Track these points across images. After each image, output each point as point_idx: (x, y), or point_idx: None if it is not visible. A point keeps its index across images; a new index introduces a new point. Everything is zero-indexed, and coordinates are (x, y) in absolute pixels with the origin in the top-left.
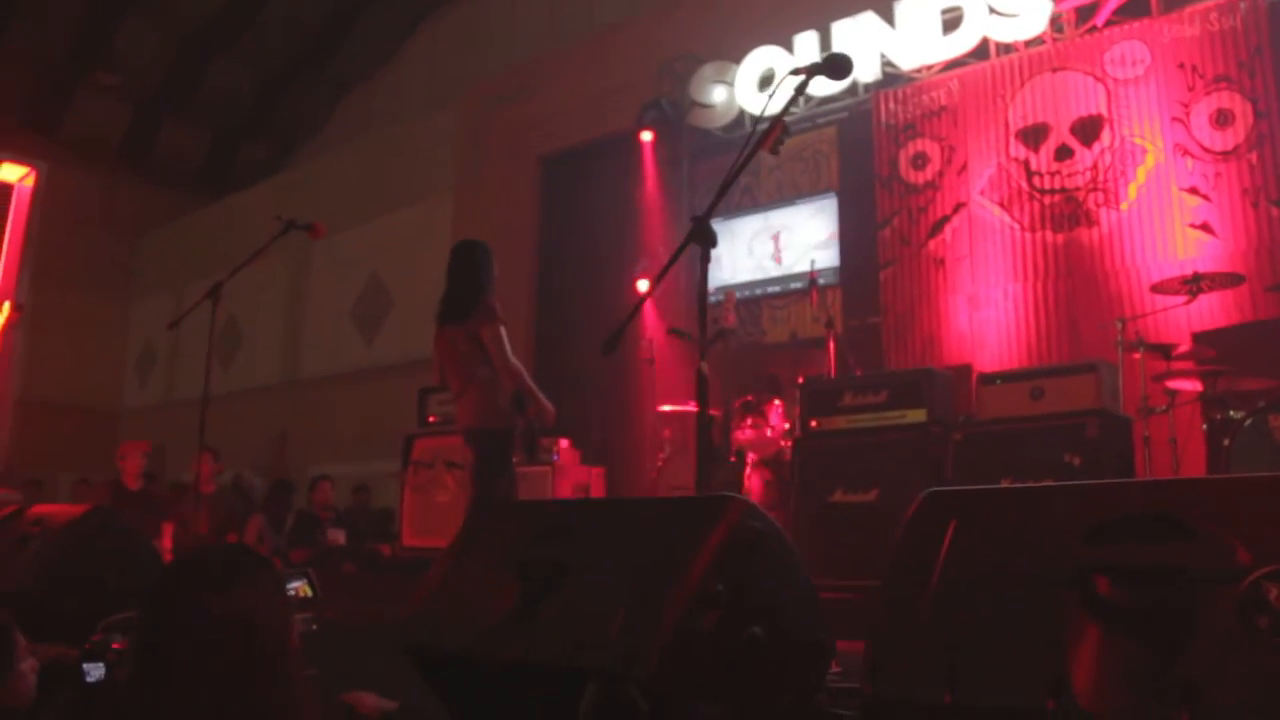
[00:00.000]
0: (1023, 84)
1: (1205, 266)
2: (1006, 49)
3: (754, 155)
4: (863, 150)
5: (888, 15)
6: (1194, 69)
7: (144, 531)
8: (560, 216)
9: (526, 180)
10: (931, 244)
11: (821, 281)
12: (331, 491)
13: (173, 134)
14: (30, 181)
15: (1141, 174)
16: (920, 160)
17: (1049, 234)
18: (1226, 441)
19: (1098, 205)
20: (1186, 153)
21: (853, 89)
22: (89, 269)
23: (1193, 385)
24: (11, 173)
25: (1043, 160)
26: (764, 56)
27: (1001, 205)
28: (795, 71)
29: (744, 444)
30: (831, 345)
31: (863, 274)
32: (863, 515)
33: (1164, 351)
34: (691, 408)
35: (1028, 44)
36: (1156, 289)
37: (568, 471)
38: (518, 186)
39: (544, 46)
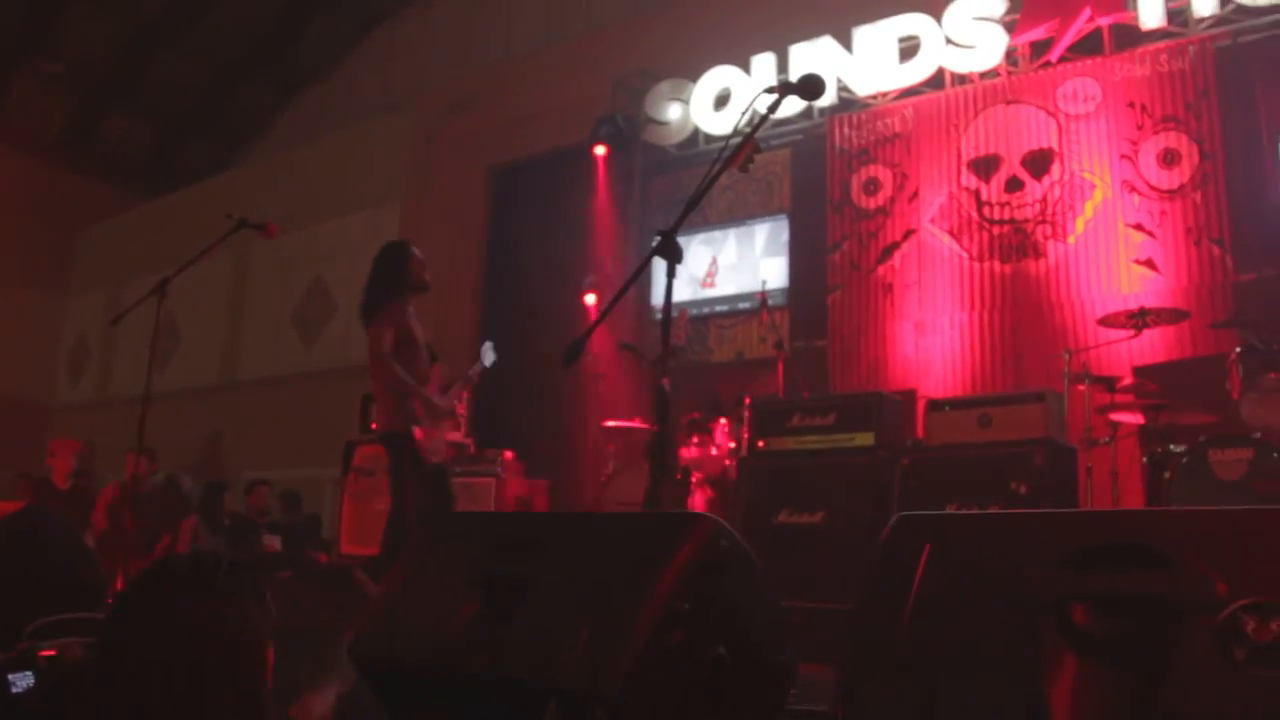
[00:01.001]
0: (976, 114)
1: (1149, 302)
2: (961, 79)
3: (724, 171)
4: (815, 173)
5: (845, 41)
6: (1143, 108)
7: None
8: (509, 227)
9: (476, 190)
10: (880, 269)
11: (770, 303)
12: (268, 497)
13: (116, 126)
14: None
15: (1089, 208)
16: (872, 186)
17: (997, 264)
18: (1167, 474)
19: (1045, 237)
20: (1134, 189)
21: (808, 112)
22: (24, 260)
23: (1135, 418)
24: None
25: (993, 191)
26: (721, 76)
27: (951, 234)
28: (769, 90)
29: (689, 462)
30: (780, 366)
31: (811, 296)
32: (809, 536)
33: (1108, 384)
34: (637, 424)
35: (983, 75)
36: (1103, 322)
37: (511, 484)
38: (467, 195)
39: (499, 56)
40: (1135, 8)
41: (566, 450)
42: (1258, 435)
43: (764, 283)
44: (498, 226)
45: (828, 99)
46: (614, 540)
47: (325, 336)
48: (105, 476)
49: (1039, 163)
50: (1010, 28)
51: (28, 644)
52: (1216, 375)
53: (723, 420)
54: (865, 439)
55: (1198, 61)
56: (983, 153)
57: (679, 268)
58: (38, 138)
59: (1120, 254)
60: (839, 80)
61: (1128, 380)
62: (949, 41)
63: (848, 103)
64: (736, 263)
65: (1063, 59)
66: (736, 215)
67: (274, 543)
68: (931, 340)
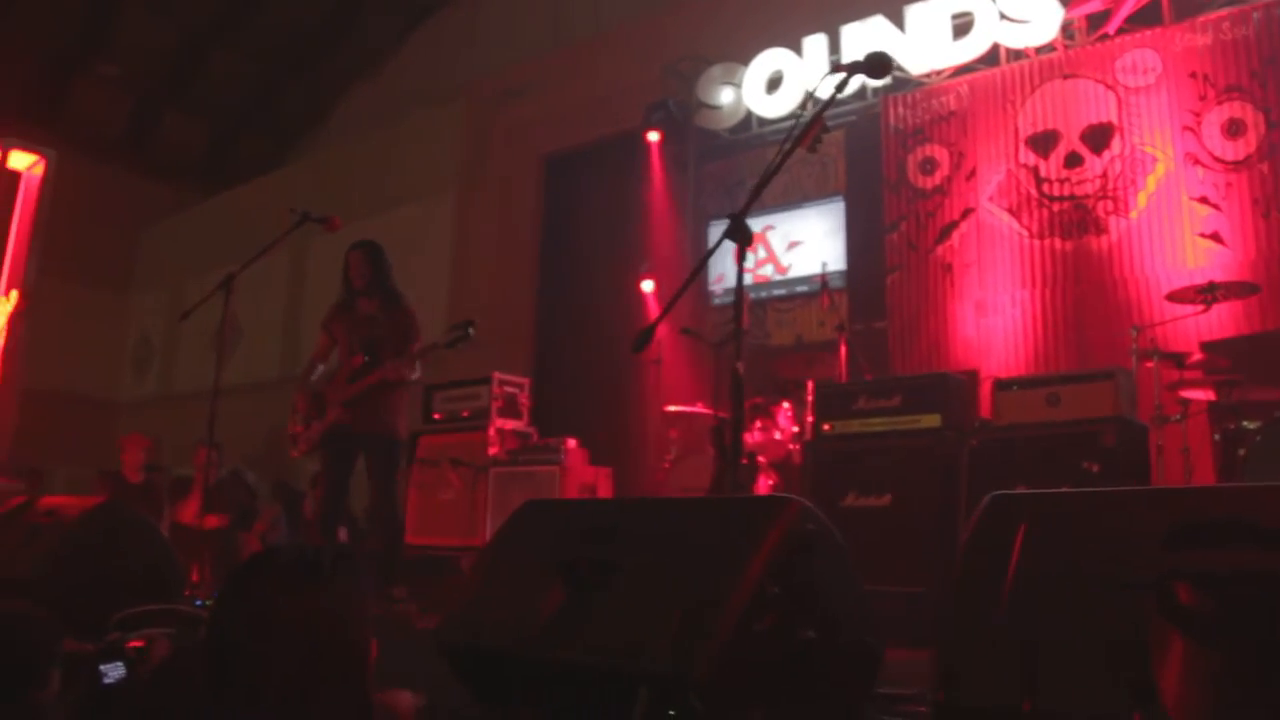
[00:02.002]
0: (1033, 90)
1: (1216, 276)
2: (1017, 55)
3: (792, 152)
4: (871, 154)
5: (898, 19)
6: (1205, 78)
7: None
8: (563, 215)
9: (530, 179)
10: (939, 249)
11: (830, 286)
12: None
13: (174, 126)
14: (39, 170)
15: (1151, 182)
16: (929, 165)
17: (1058, 241)
18: (1241, 451)
19: (1107, 213)
20: (1197, 162)
21: (861, 93)
22: (89, 260)
23: (1205, 394)
24: (20, 160)
25: (1052, 167)
26: (772, 58)
27: (1010, 211)
28: (836, 69)
29: (753, 446)
30: (843, 349)
31: (869, 278)
32: (876, 520)
33: (1177, 360)
34: (699, 409)
35: (1038, 50)
36: (1172, 297)
37: (575, 472)
38: (521, 185)
39: (549, 45)
40: None
41: (629, 436)
42: None
43: (824, 265)
44: (552, 215)
45: (881, 79)
46: (700, 525)
47: None
48: (172, 470)
49: (1099, 137)
50: (1066, 1)
51: (116, 635)
52: None
53: (785, 404)
54: (931, 420)
55: (1262, 28)
56: (1041, 129)
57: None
58: (98, 140)
59: (1185, 228)
60: (892, 59)
61: (1197, 356)
62: (1003, 17)
63: (901, 82)
64: (793, 246)
65: (1121, 30)
66: (792, 198)
67: (341, 532)
68: (993, 320)
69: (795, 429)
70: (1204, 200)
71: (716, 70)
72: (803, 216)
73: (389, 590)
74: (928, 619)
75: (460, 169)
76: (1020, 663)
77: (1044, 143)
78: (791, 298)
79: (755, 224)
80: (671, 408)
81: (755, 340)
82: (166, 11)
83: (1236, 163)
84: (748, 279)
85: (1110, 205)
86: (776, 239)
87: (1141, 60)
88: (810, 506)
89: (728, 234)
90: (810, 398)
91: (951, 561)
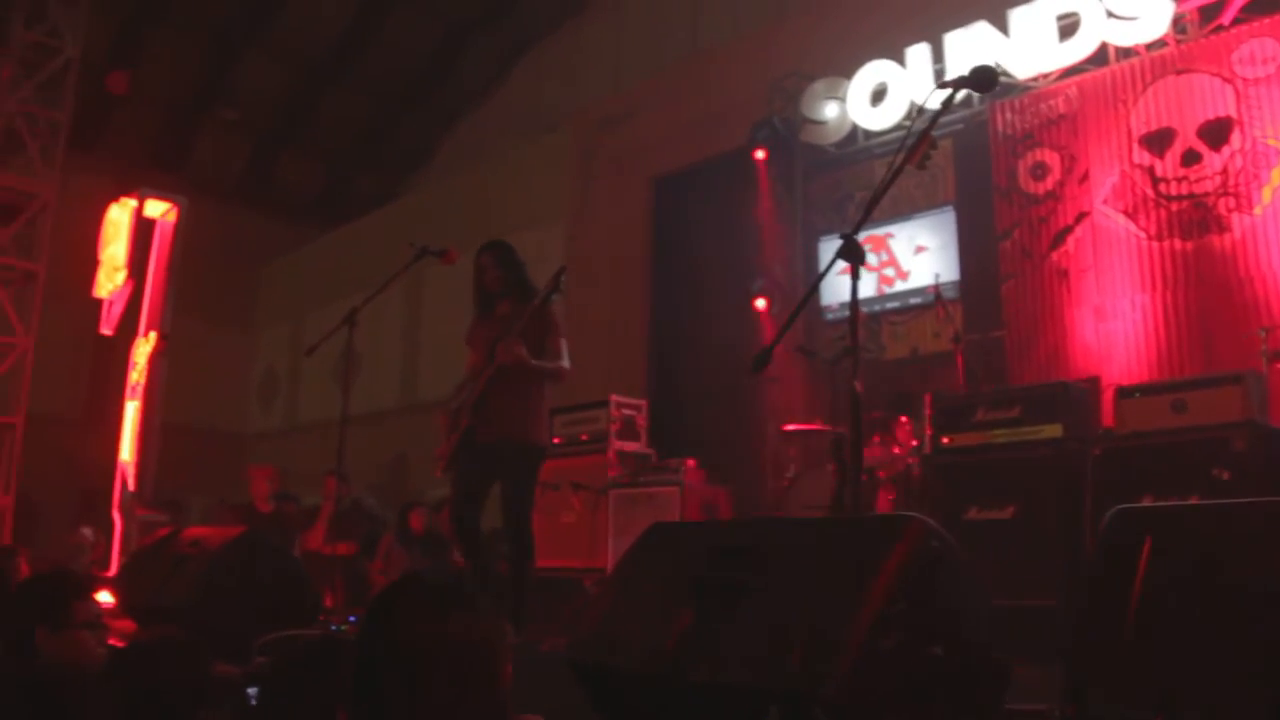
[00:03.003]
0: (1145, 88)
1: None
2: (1126, 53)
3: (902, 170)
4: (980, 162)
5: (1001, 24)
6: None
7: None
8: (674, 236)
9: (638, 201)
10: (1054, 255)
11: (944, 295)
12: None
13: (290, 165)
14: (172, 216)
15: (1276, 176)
16: (1040, 170)
17: (1177, 241)
18: None
19: (1229, 210)
20: None
21: (967, 100)
22: (215, 298)
23: None
24: (155, 208)
25: (1168, 166)
26: (875, 71)
27: (1126, 214)
28: (941, 85)
29: (872, 461)
30: (959, 360)
31: (983, 287)
32: (999, 533)
33: None
34: (816, 426)
35: (1149, 47)
36: None
37: (694, 492)
38: (630, 208)
39: (651, 68)
40: None
41: (747, 455)
42: None
43: (937, 276)
44: (663, 236)
45: (987, 92)
46: (826, 544)
47: None
48: (301, 499)
49: (1217, 133)
50: None
51: (265, 659)
52: None
53: (903, 418)
54: (1053, 430)
55: None
56: (1154, 127)
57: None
58: (220, 182)
59: None
60: (997, 65)
61: None
62: (1110, 15)
63: (1008, 87)
64: (906, 258)
65: (1236, 20)
66: (902, 210)
67: (454, 554)
68: (1112, 325)
69: (914, 443)
70: None
71: (820, 85)
72: (914, 227)
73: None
74: (1057, 633)
75: (569, 195)
76: (1151, 676)
77: (1159, 141)
78: (906, 310)
79: (875, 231)
80: (789, 426)
81: (870, 354)
82: (281, 56)
83: None
84: (869, 286)
85: (1232, 202)
86: (899, 245)
87: (1260, 50)
88: (933, 524)
89: (841, 253)
90: (928, 411)
91: (1078, 574)
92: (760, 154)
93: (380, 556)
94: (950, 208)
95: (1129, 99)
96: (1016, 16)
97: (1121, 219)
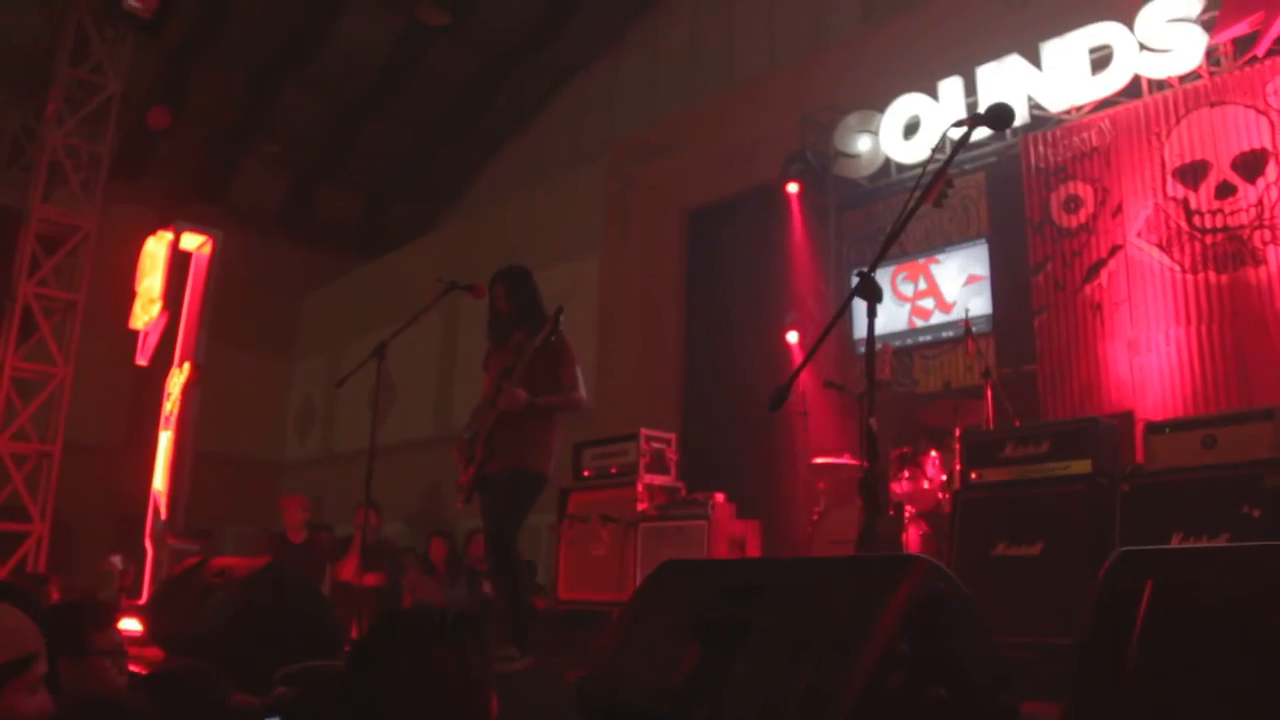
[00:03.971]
0: (1178, 120)
1: None
2: (1160, 85)
3: (918, 208)
4: (1012, 195)
5: (1034, 57)
6: None
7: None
8: (708, 269)
9: (673, 234)
10: (1087, 288)
11: (975, 329)
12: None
13: (329, 196)
14: (208, 249)
15: None
16: (1073, 203)
17: (1212, 274)
18: None
19: (1264, 243)
20: None
21: (1000, 133)
22: (254, 328)
23: None
24: (191, 241)
25: (1203, 199)
26: (908, 104)
27: (1160, 247)
28: (958, 123)
29: (901, 496)
30: (989, 395)
31: (1016, 321)
32: (1028, 569)
33: None
34: (846, 460)
35: (1182, 79)
36: None
37: (723, 526)
38: (664, 240)
39: (686, 101)
40: None
41: (777, 489)
42: None
43: (966, 311)
44: (697, 269)
45: (1020, 118)
46: (832, 584)
47: None
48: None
49: (1252, 165)
50: (1209, 26)
51: (281, 690)
52: None
53: (933, 453)
54: (1082, 466)
55: None
56: (1188, 159)
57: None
58: (260, 213)
59: None
60: (1030, 98)
61: None
62: (1143, 47)
63: (1041, 120)
64: (941, 291)
65: (1270, 52)
66: (935, 243)
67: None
68: (1147, 359)
69: (944, 477)
70: None
71: (853, 119)
72: (947, 261)
73: (505, 648)
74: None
75: (605, 227)
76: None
77: (1193, 174)
78: (939, 343)
79: (900, 271)
80: (819, 460)
81: (903, 388)
82: (322, 89)
83: None
84: (896, 326)
85: (1268, 235)
86: (921, 285)
87: None
88: (939, 565)
89: (857, 291)
90: (957, 446)
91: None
92: (793, 187)
93: (407, 589)
94: (983, 241)
95: (1162, 131)
96: (1049, 49)
97: (1155, 252)
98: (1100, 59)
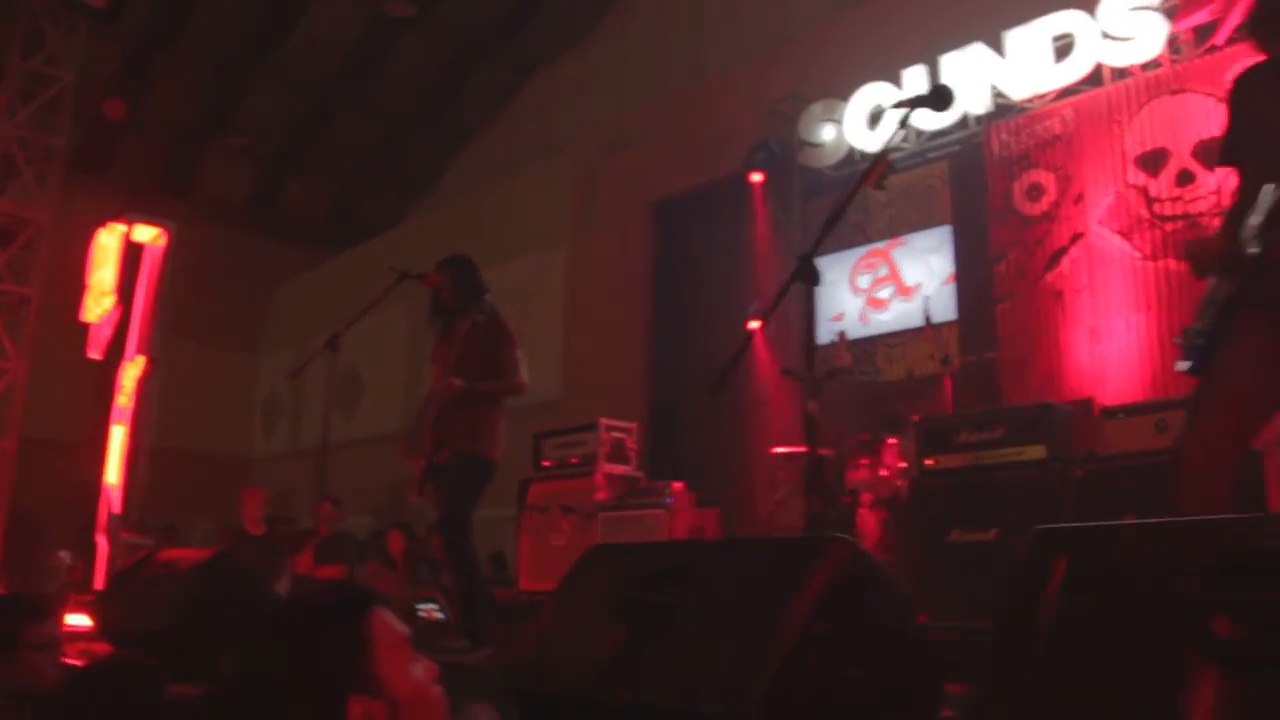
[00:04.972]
0: (1140, 108)
1: None
2: (1122, 74)
3: (857, 192)
4: (975, 183)
5: (997, 45)
6: None
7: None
8: (674, 261)
9: (639, 226)
10: (1049, 276)
11: (935, 319)
12: None
13: (297, 190)
14: (161, 242)
15: None
16: (1035, 191)
17: (1172, 262)
18: None
19: None
20: None
21: (963, 122)
22: (220, 322)
23: None
24: (144, 233)
25: (1163, 186)
26: (872, 93)
27: (1121, 234)
28: (898, 104)
29: (859, 483)
30: (948, 382)
31: (978, 309)
32: (982, 554)
33: None
34: (805, 449)
35: (1144, 67)
36: None
37: (682, 514)
38: (631, 232)
39: (653, 93)
40: None
41: (737, 478)
42: None
43: (926, 299)
44: (663, 260)
45: (982, 106)
46: (755, 566)
47: None
48: (300, 522)
49: (1212, 152)
50: (1171, 14)
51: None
52: None
53: (891, 440)
54: (1036, 451)
55: None
56: (1149, 147)
57: (842, 287)
58: (227, 206)
59: None
60: (993, 86)
61: None
62: (1105, 36)
63: (1004, 108)
64: (899, 279)
65: (1230, 40)
66: (898, 231)
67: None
68: (1107, 346)
69: (902, 465)
70: None
71: (817, 108)
72: (909, 249)
73: (457, 640)
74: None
75: (571, 219)
76: (1058, 697)
77: (1153, 162)
78: (901, 331)
79: (862, 258)
80: (778, 449)
81: (866, 376)
82: (289, 81)
83: None
84: (858, 313)
85: None
86: (883, 273)
87: None
88: (859, 546)
89: (795, 275)
90: (914, 433)
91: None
92: (757, 177)
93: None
94: (947, 229)
95: (1124, 119)
96: (1012, 38)
97: (1116, 239)
98: (1063, 47)
